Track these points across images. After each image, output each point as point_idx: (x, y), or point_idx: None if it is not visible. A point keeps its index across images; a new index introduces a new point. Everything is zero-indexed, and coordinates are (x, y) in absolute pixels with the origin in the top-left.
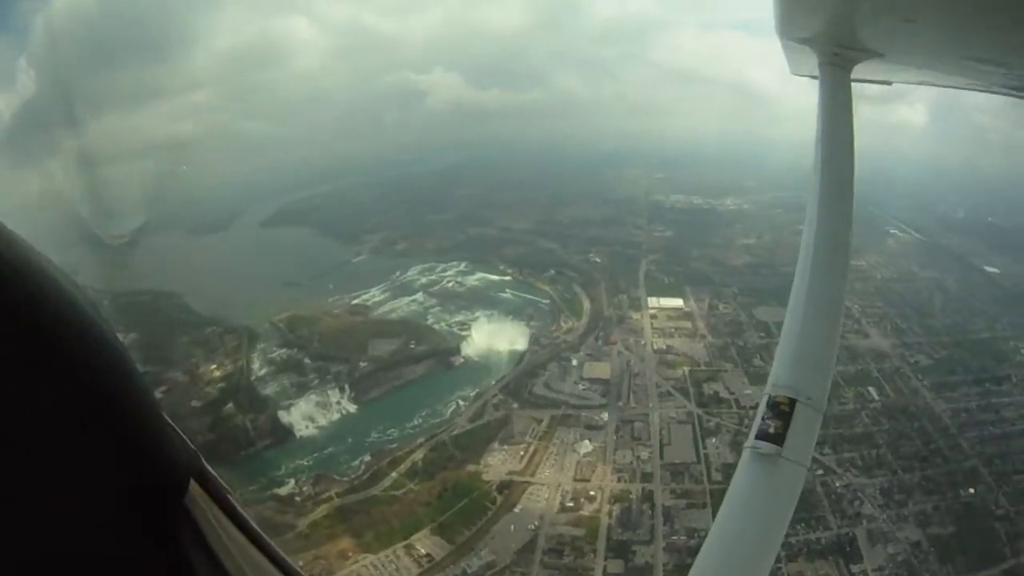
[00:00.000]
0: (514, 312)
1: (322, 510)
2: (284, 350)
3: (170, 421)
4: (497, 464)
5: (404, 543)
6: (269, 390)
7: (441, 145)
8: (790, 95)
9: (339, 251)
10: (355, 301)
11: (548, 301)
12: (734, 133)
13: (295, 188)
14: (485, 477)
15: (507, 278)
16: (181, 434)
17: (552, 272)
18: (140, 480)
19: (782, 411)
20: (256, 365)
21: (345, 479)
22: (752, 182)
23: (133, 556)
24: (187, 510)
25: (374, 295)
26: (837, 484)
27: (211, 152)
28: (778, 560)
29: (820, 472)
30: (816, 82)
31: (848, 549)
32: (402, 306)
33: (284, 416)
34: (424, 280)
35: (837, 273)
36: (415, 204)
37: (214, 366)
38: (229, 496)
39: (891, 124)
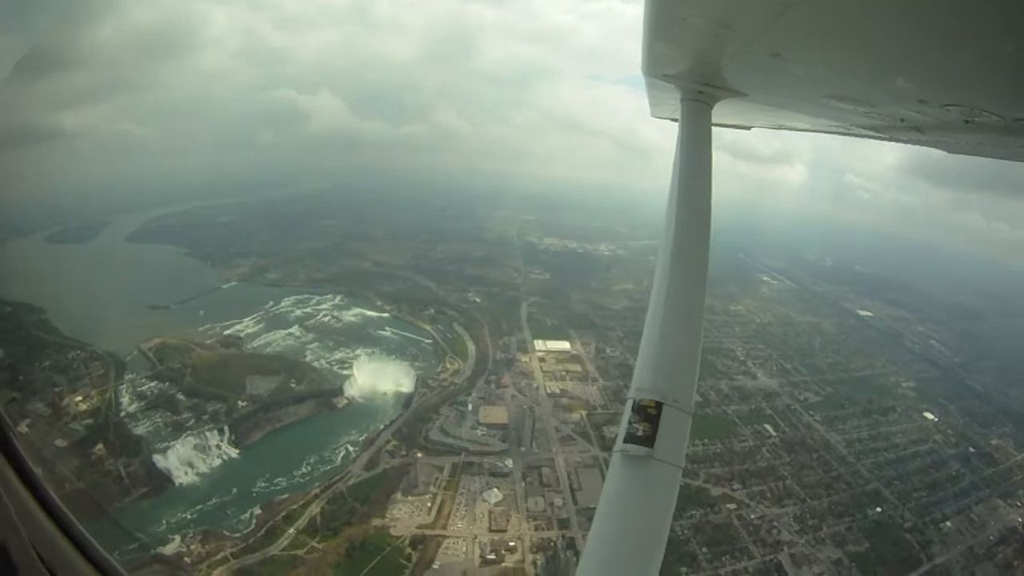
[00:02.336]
0: (396, 351)
1: (219, 574)
2: (155, 383)
3: None
4: (404, 517)
5: None
6: (141, 429)
7: (314, 170)
8: (663, 148)
9: (208, 274)
10: (227, 331)
11: (430, 341)
12: (607, 182)
13: (164, 200)
14: (394, 532)
15: (385, 315)
16: None
17: (432, 310)
18: None
19: (649, 414)
20: (125, 399)
21: (236, 535)
22: (623, 228)
23: None
24: None
25: (247, 325)
26: (752, 516)
27: (82, 148)
28: None
29: (733, 507)
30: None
31: (776, 574)
32: (278, 339)
33: (160, 460)
34: (299, 312)
35: (696, 281)
36: (284, 229)
37: (79, 397)
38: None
39: (769, 180)
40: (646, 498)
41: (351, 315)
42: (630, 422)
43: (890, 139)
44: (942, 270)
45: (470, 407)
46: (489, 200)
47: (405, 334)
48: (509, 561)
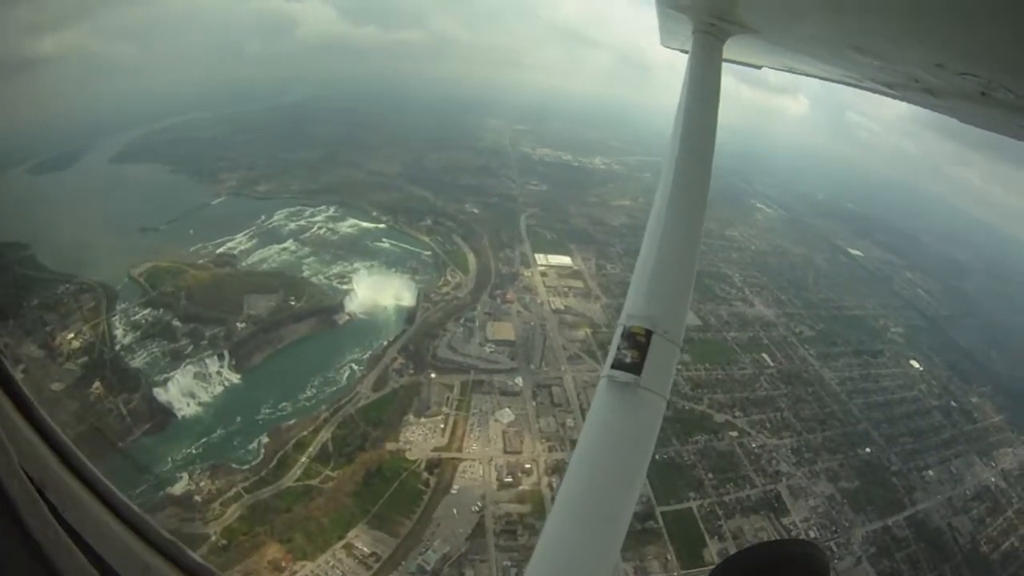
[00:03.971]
0: (395, 264)
1: (233, 511)
2: (148, 310)
3: None
4: (418, 440)
5: (342, 543)
6: (138, 361)
7: (303, 80)
8: (666, 65)
9: (196, 191)
10: (220, 250)
11: (429, 253)
12: (602, 95)
13: (147, 119)
14: (409, 456)
15: (381, 226)
16: None
17: (429, 221)
18: None
19: (638, 341)
20: (119, 331)
21: (246, 467)
22: (617, 143)
23: None
24: None
25: (240, 242)
26: (753, 445)
27: (62, 72)
28: (718, 518)
29: (735, 434)
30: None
31: (776, 504)
32: (272, 255)
33: (161, 394)
34: (292, 226)
35: (695, 216)
36: (272, 141)
37: (71, 334)
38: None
39: (771, 108)
40: (630, 425)
41: (347, 226)
42: (619, 348)
43: (902, 98)
44: (932, 219)
45: (477, 323)
46: (481, 109)
47: (404, 246)
48: (526, 484)
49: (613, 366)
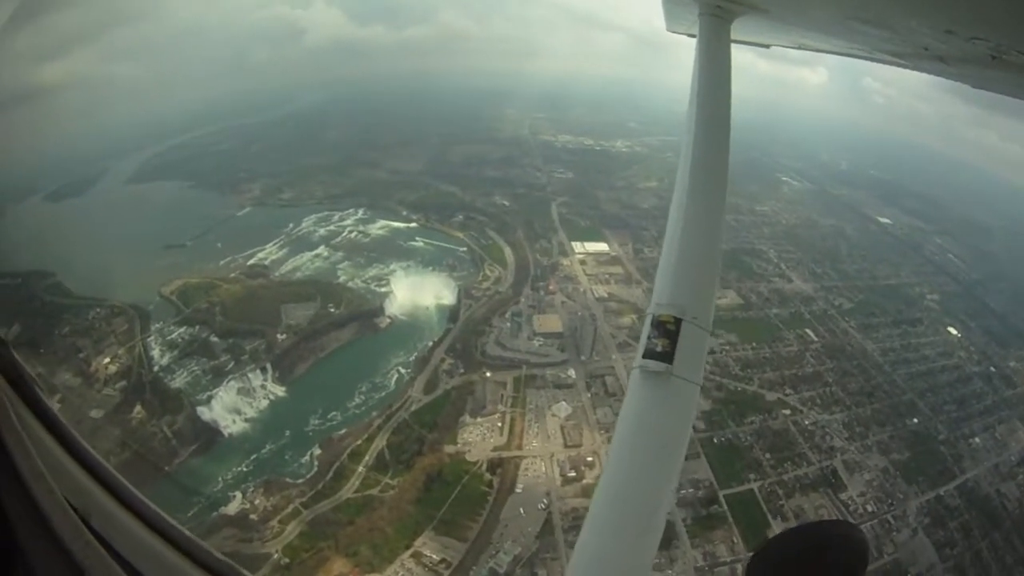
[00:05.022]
0: (432, 262)
1: (293, 528)
2: (184, 328)
3: None
4: (477, 440)
5: (409, 552)
6: (179, 382)
7: (313, 85)
8: (680, 43)
9: (218, 204)
10: (250, 261)
11: (465, 248)
12: (615, 75)
13: (157, 138)
14: (469, 458)
15: (413, 225)
16: None
17: (460, 217)
18: None
19: (668, 330)
20: (156, 352)
21: (300, 481)
22: (635, 124)
23: None
24: None
25: (270, 252)
26: (806, 422)
27: (70, 99)
28: (779, 498)
29: (788, 412)
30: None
31: (833, 480)
32: (305, 263)
33: (204, 412)
34: (322, 231)
35: (715, 200)
36: (288, 148)
37: (107, 359)
38: (38, 391)
39: (791, 80)
40: (665, 414)
41: (377, 228)
42: (649, 337)
43: (913, 67)
44: (954, 181)
45: (524, 317)
46: (497, 100)
47: (437, 243)
48: (589, 477)
49: (644, 356)
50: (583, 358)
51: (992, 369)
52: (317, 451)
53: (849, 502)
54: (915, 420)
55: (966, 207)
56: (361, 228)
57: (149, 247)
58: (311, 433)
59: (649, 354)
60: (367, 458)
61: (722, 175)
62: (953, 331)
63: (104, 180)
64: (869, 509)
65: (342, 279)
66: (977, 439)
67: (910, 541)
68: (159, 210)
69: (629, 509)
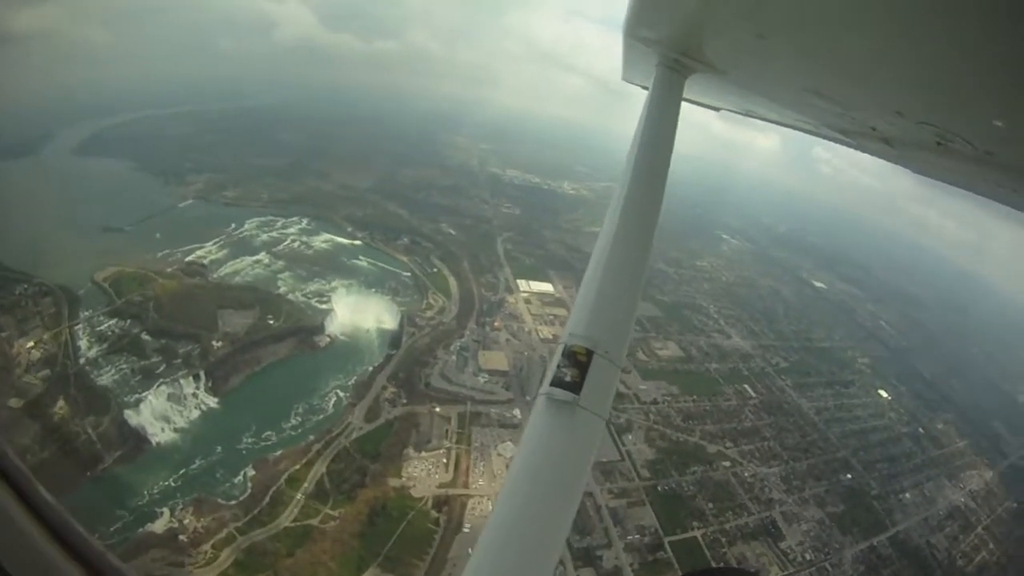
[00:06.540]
0: (375, 284)
1: (228, 555)
2: (115, 321)
3: None
4: (422, 475)
5: None
6: (106, 379)
7: (274, 82)
8: (639, 96)
9: (162, 192)
10: (189, 257)
11: (409, 274)
12: (571, 119)
13: (111, 110)
14: (415, 493)
15: (357, 242)
16: None
17: (406, 240)
18: None
19: (579, 361)
20: (83, 342)
21: (233, 503)
22: (583, 168)
23: None
24: None
25: (210, 251)
26: (745, 474)
27: (31, 54)
28: (721, 545)
29: (728, 464)
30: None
31: (772, 530)
32: (245, 267)
33: (132, 416)
34: (265, 237)
35: (641, 248)
36: (239, 143)
37: (31, 343)
38: (25, 474)
39: (741, 141)
40: (567, 445)
41: (321, 241)
42: (559, 366)
43: (858, 147)
44: (890, 252)
45: (470, 352)
46: (449, 125)
47: (381, 265)
48: None
49: (552, 383)
50: (528, 398)
51: (920, 430)
52: (251, 472)
53: (788, 551)
54: (849, 476)
55: (900, 278)
56: (304, 239)
57: (86, 226)
58: (244, 451)
59: (557, 382)
60: (306, 485)
61: (652, 221)
62: (883, 393)
63: (51, 145)
64: (807, 557)
65: (282, 290)
66: (908, 495)
67: None
68: (101, 188)
69: (524, 534)
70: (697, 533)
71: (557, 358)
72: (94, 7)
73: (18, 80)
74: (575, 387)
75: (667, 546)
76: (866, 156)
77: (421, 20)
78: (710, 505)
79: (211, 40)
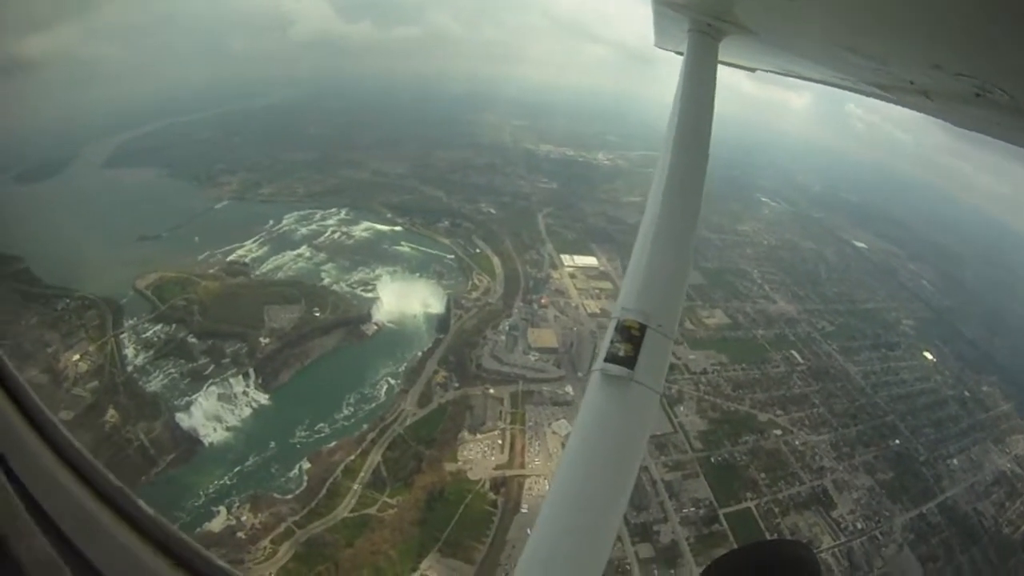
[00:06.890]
0: (419, 269)
1: (286, 550)
2: (160, 326)
3: None
4: (477, 458)
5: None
6: (155, 384)
7: (295, 78)
8: (666, 60)
9: (196, 196)
10: (230, 258)
11: (452, 256)
12: (599, 89)
13: (134, 122)
14: (471, 476)
15: (398, 228)
16: None
17: (446, 222)
18: None
19: (632, 335)
20: (129, 350)
21: (290, 497)
22: (614, 137)
23: None
24: None
25: (250, 249)
26: (796, 443)
27: (44, 76)
28: (775, 515)
29: (779, 432)
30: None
31: (823, 499)
32: (287, 262)
33: (183, 419)
34: (304, 230)
35: (689, 216)
36: (268, 141)
37: (77, 356)
38: (26, 390)
39: (774, 101)
40: (623, 420)
41: (361, 230)
42: (612, 341)
43: (897, 102)
44: (926, 209)
45: (520, 330)
46: (477, 104)
47: (424, 249)
48: None
49: (606, 359)
50: (580, 375)
51: (966, 393)
52: (306, 465)
53: (840, 519)
54: (897, 441)
55: (938, 233)
56: (344, 229)
57: (123, 236)
58: (298, 445)
59: (611, 358)
60: (362, 474)
61: (697, 189)
62: (928, 356)
63: (77, 163)
64: (859, 526)
65: (326, 282)
66: (955, 460)
67: (897, 556)
68: (134, 198)
69: (583, 510)
70: (751, 504)
71: (610, 333)
72: (103, 24)
73: (36, 105)
74: (630, 362)
75: (722, 518)
76: (897, 110)
77: (440, 2)
78: (762, 475)
79: (229, 42)
